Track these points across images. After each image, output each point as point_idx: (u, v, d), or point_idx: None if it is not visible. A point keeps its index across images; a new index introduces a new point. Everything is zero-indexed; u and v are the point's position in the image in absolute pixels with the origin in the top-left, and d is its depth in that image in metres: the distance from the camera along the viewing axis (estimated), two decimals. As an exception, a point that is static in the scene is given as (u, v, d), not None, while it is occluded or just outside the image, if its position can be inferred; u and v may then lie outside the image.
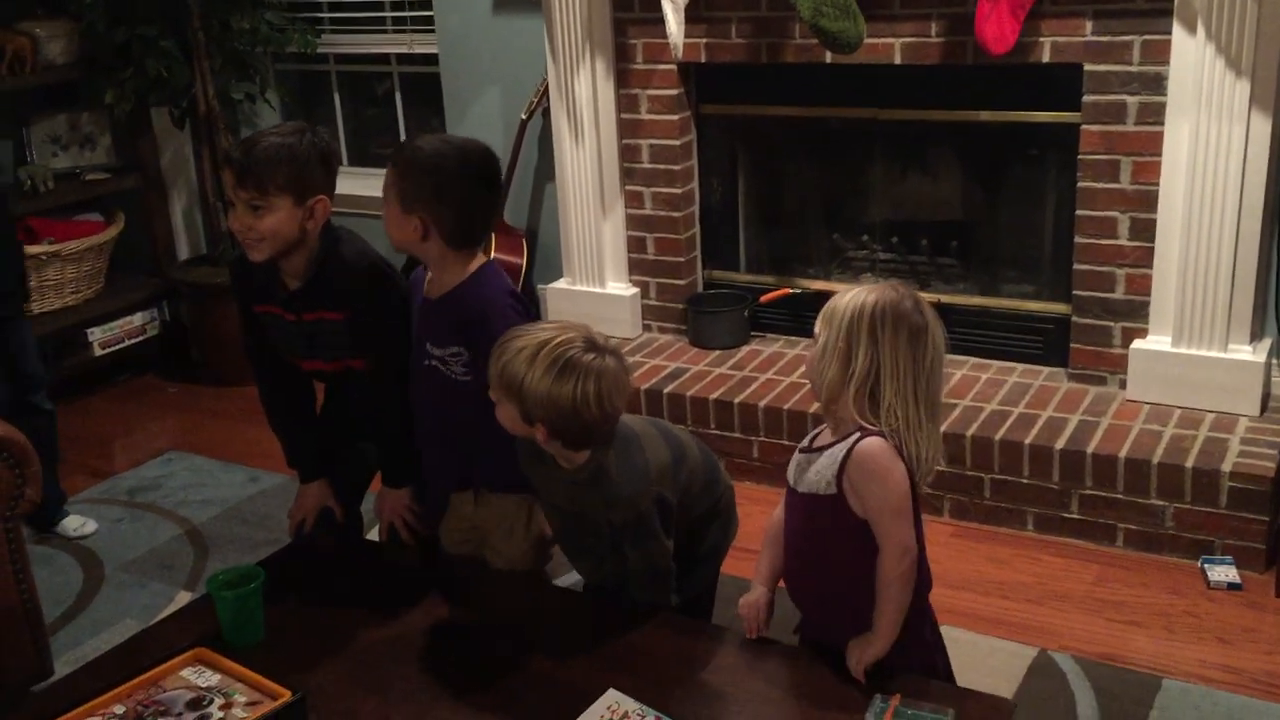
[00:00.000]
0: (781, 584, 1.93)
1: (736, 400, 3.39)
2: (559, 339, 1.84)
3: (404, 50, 4.48)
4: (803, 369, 3.39)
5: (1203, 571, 2.83)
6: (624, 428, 1.94)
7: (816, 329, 1.78)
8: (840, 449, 1.74)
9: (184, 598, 2.94)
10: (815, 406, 1.84)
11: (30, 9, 4.21)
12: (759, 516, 2.13)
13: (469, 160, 2.05)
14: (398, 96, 4.62)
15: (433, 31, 4.29)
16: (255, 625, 1.93)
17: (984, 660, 2.53)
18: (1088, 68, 3.09)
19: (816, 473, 1.77)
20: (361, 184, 4.32)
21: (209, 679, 1.80)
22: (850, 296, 1.75)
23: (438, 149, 2.05)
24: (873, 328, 1.71)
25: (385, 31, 4.50)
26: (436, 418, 2.16)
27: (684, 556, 2.02)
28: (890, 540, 1.73)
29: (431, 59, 4.36)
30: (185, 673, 1.82)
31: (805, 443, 1.85)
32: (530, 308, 2.13)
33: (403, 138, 4.64)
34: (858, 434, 1.73)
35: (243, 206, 2.11)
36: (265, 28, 4.35)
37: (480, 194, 2.08)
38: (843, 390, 1.73)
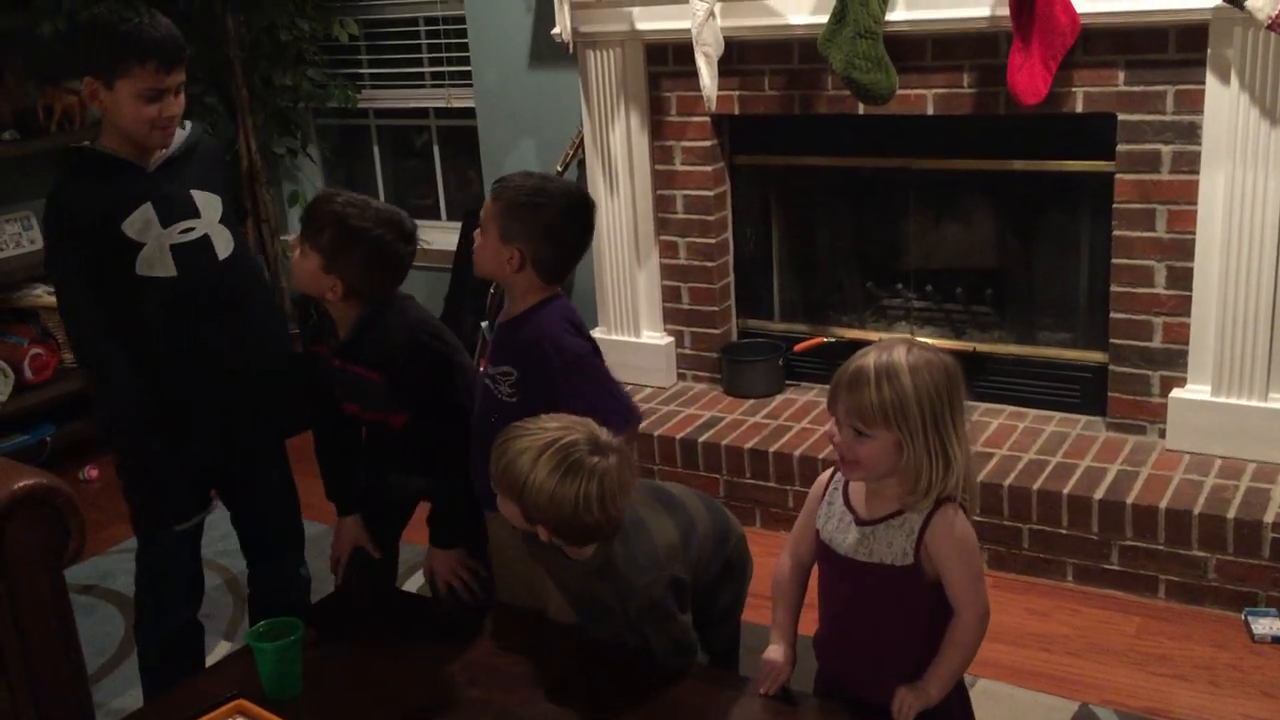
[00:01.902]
0: (802, 632, 1.92)
1: (771, 449, 3.39)
2: (563, 440, 1.83)
3: (442, 104, 4.56)
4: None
5: (1246, 624, 2.78)
6: (628, 513, 1.92)
7: (879, 429, 1.67)
8: (914, 520, 1.73)
9: (224, 648, 2.96)
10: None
11: (79, 68, 4.31)
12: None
13: (572, 203, 2.14)
14: (435, 149, 4.70)
15: (470, 86, 4.37)
16: (294, 678, 1.93)
17: (1024, 714, 2.50)
18: (1121, 117, 3.09)
19: (888, 544, 1.74)
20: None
21: (248, 731, 1.82)
22: (911, 384, 1.66)
23: (542, 187, 2.13)
24: (954, 411, 1.69)
25: (424, 86, 4.58)
26: (486, 437, 2.13)
27: (702, 618, 2.02)
28: (976, 603, 1.74)
29: (469, 113, 4.43)
30: (225, 725, 1.84)
31: (840, 505, 1.82)
32: (588, 334, 2.19)
33: (440, 189, 4.72)
34: (930, 505, 1.72)
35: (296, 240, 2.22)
36: (307, 84, 4.45)
37: (577, 235, 2.16)
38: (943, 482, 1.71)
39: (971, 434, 1.77)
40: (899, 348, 1.71)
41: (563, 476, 1.81)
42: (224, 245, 2.30)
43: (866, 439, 1.69)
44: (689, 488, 2.20)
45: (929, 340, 3.62)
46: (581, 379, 2.08)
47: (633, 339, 3.93)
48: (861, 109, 3.36)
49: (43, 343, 4.12)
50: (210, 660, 2.73)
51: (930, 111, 3.33)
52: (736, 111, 3.64)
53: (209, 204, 2.29)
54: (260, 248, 4.41)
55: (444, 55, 4.49)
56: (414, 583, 3.14)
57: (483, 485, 2.20)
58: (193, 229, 2.25)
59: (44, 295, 4.16)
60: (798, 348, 3.78)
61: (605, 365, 2.16)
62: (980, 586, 1.75)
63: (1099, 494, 2.98)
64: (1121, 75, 3.07)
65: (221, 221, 2.30)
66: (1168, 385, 3.19)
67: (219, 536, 3.60)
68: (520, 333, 2.14)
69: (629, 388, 3.89)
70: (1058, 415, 3.46)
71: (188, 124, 2.32)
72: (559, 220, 2.11)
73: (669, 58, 3.68)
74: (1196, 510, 2.86)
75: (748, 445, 3.43)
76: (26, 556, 2.32)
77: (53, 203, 2.20)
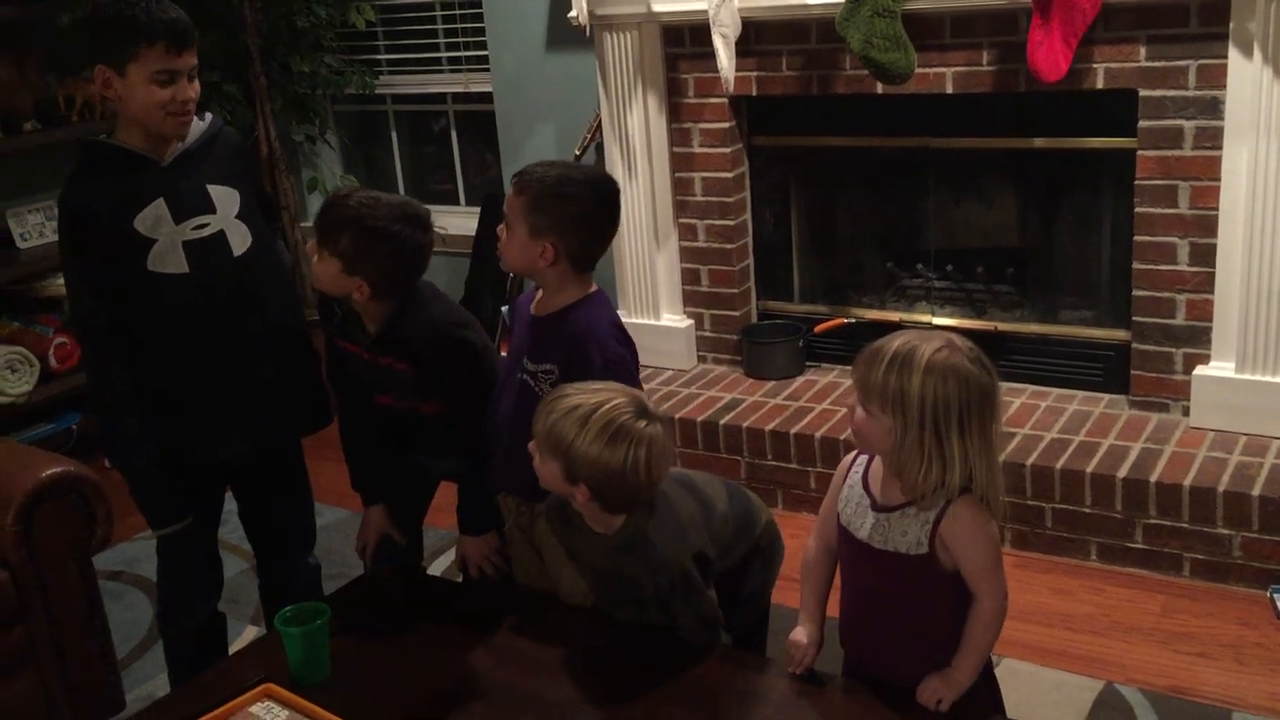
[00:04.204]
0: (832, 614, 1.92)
1: (792, 431, 3.39)
2: (611, 403, 1.85)
3: (459, 89, 4.56)
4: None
5: (1273, 601, 2.77)
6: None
7: (875, 408, 1.69)
8: (930, 512, 1.72)
9: (251, 632, 2.99)
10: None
11: (90, 59, 4.32)
12: (817, 549, 2.12)
13: (599, 189, 2.13)
14: (453, 134, 4.71)
15: (487, 70, 4.37)
16: (322, 661, 1.95)
17: (1048, 694, 2.50)
18: (1143, 93, 3.07)
19: (903, 533, 1.74)
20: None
21: (278, 715, 1.83)
22: (919, 382, 1.65)
23: (568, 176, 2.11)
24: (962, 423, 1.66)
25: (441, 71, 4.59)
26: (519, 432, 2.10)
27: (728, 599, 2.02)
28: (994, 591, 1.73)
29: (486, 97, 4.43)
30: (254, 709, 1.85)
31: (860, 489, 1.82)
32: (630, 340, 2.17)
33: (458, 174, 4.72)
34: (940, 499, 1.71)
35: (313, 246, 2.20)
36: (325, 71, 4.46)
37: (606, 222, 2.15)
38: (942, 485, 1.69)
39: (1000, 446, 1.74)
40: (933, 343, 1.68)
41: (611, 439, 1.82)
42: (240, 241, 2.23)
43: (869, 413, 1.71)
44: (711, 474, 2.20)
45: (951, 322, 3.62)
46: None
47: (652, 322, 3.93)
48: (880, 88, 3.35)
49: (67, 332, 4.14)
50: (238, 645, 2.77)
51: (949, 90, 3.31)
52: (754, 93, 3.62)
53: (226, 199, 2.22)
54: (281, 234, 4.42)
55: (461, 40, 4.49)
56: (438, 566, 3.16)
57: (507, 474, 2.21)
58: (206, 224, 2.18)
59: (68, 285, 4.18)
60: (818, 329, 3.77)
61: (639, 375, 2.15)
62: (999, 574, 1.74)
63: (1123, 472, 2.97)
64: (1143, 51, 3.04)
65: (239, 216, 2.23)
66: (1191, 363, 3.17)
67: (244, 522, 3.62)
68: (565, 330, 2.12)
69: (648, 370, 3.92)
70: (1080, 394, 3.44)
71: (208, 115, 2.26)
72: (588, 209, 2.10)
73: (686, 39, 3.67)
74: (1221, 488, 2.85)
75: (769, 427, 3.43)
76: (54, 544, 2.36)
77: (63, 201, 2.16)
